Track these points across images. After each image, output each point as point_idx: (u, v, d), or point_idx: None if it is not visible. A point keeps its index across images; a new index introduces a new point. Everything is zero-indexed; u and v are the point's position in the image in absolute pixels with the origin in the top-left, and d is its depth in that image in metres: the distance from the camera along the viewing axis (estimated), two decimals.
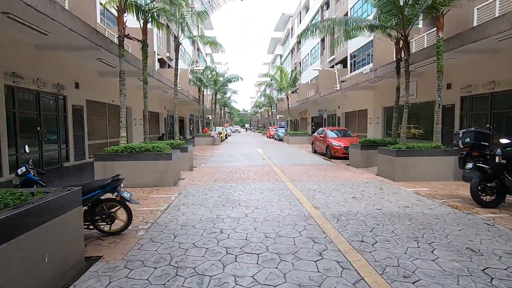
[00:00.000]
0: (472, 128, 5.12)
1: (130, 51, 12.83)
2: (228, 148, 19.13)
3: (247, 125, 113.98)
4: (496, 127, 9.38)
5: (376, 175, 8.45)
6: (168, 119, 24.53)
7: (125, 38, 7.88)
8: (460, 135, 5.27)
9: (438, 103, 8.03)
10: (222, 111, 50.84)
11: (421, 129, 13.77)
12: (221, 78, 26.98)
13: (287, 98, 26.51)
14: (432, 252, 3.26)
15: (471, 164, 5.07)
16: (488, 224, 4.18)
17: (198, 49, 42.77)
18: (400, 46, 9.61)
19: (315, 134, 15.48)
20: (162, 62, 24.22)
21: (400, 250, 3.32)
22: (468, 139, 5.08)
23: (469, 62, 10.08)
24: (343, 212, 4.79)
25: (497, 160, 4.72)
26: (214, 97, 28.23)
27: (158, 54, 21.98)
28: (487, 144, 4.99)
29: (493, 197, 5.01)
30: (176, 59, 9.79)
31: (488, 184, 4.98)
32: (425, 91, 12.30)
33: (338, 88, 17.30)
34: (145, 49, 9.03)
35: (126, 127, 7.91)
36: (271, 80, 27.12)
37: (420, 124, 13.89)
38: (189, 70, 22.47)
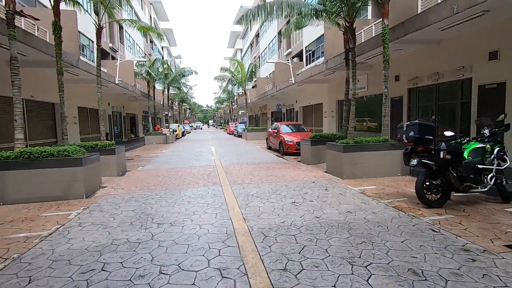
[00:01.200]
0: (416, 121, 4.60)
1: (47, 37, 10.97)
2: (180, 147, 17.77)
3: (211, 122, 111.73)
4: (442, 118, 9.37)
5: (325, 172, 7.90)
6: (114, 117, 22.32)
7: (21, 17, 6.31)
8: (404, 129, 4.74)
9: (385, 94, 7.66)
10: (181, 107, 48.59)
11: (376, 122, 13.72)
12: (173, 72, 25.16)
13: (245, 92, 25.64)
14: (367, 281, 2.54)
15: (415, 160, 4.57)
16: (433, 230, 3.64)
17: (151, 41, 40.00)
18: (348, 35, 9.14)
19: (269, 129, 14.78)
20: (103, 53, 21.80)
21: (329, 281, 2.56)
22: (412, 133, 4.56)
23: (415, 53, 9.97)
24: (274, 224, 3.99)
25: (441, 156, 4.24)
26: (167, 92, 26.34)
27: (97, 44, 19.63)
28: (431, 138, 4.51)
29: (438, 196, 4.57)
30: (98, 46, 8.31)
31: (434, 182, 4.52)
32: (376, 84, 12.13)
33: (293, 82, 16.79)
34: (57, 33, 7.49)
35: (24, 127, 6.39)
36: (229, 74, 26.03)
37: (374, 117, 13.83)
38: (134, 62, 20.45)
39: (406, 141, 4.73)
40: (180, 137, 27.91)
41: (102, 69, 16.49)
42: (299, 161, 10.13)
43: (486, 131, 4.79)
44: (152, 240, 3.55)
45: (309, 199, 5.22)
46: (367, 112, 14.12)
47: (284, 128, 13.10)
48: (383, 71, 7.60)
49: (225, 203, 5.10)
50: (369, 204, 4.82)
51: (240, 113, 48.96)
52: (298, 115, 22.71)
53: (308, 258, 2.99)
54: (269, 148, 14.63)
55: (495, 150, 4.61)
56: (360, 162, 7.04)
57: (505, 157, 4.60)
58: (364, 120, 14.40)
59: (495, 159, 4.60)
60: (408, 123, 4.73)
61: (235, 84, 26.48)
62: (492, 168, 4.57)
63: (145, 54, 34.40)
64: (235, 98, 44.42)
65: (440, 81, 9.07)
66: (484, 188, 4.54)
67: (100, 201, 5.51)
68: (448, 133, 4.97)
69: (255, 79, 28.86)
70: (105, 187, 6.74)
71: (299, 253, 3.11)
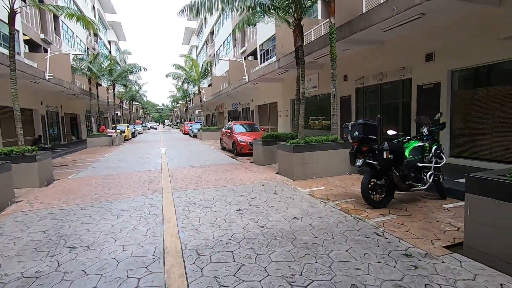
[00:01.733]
0: (360, 120, 4.50)
1: None
2: (127, 149, 16.37)
3: (167, 121, 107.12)
4: (386, 117, 9.76)
5: (277, 173, 7.67)
6: (50, 117, 19.86)
7: None
8: (349, 128, 4.62)
9: (333, 94, 7.66)
10: (132, 106, 45.57)
11: (329, 120, 13.95)
12: (118, 68, 23.20)
13: (199, 91, 24.73)
14: None
15: (360, 160, 4.47)
16: (377, 234, 3.50)
17: (95, 35, 36.70)
18: (297, 33, 9.02)
19: (223, 129, 14.27)
20: (33, 45, 19.25)
21: None
22: (356, 133, 4.45)
23: (361, 54, 10.25)
24: (213, 239, 3.54)
25: (384, 156, 4.18)
26: (113, 90, 24.24)
27: (24, 34, 17.23)
28: (375, 137, 4.44)
29: (382, 196, 4.52)
30: (11, 33, 6.95)
31: (378, 182, 4.46)
32: (327, 83, 12.26)
33: (247, 80, 16.47)
34: None
35: None
36: (183, 72, 24.82)
37: (328, 116, 14.07)
38: (71, 56, 18.35)
39: (351, 141, 4.61)
40: (130, 139, 25.99)
41: (29, 62, 14.44)
42: (252, 162, 9.81)
43: (425, 130, 4.89)
44: (55, 272, 2.85)
45: (256, 205, 4.87)
46: (320, 111, 14.36)
47: (237, 127, 12.69)
48: (330, 70, 7.57)
49: (162, 215, 4.51)
50: (317, 208, 4.61)
51: (196, 112, 47.52)
52: (254, 114, 22.51)
53: (243, 281, 2.59)
54: (223, 148, 14.13)
55: (433, 148, 4.71)
56: (310, 162, 6.91)
57: (442, 155, 4.73)
58: (318, 119, 14.63)
59: (433, 157, 4.70)
60: (352, 122, 4.62)
61: (189, 82, 25.37)
62: (431, 166, 4.66)
63: (87, 48, 31.40)
64: (190, 97, 42.89)
65: (384, 81, 9.42)
66: (424, 186, 4.60)
67: (5, 220, 4.53)
68: (390, 132, 4.98)
69: (210, 77, 28.04)
70: (20, 201, 5.66)
71: (234, 275, 2.69)
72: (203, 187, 6.35)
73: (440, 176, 4.77)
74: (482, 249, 2.75)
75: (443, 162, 4.70)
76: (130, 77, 26.14)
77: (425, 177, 4.64)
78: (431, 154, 4.70)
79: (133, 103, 44.65)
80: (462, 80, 7.28)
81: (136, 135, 31.10)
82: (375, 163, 4.37)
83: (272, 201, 5.13)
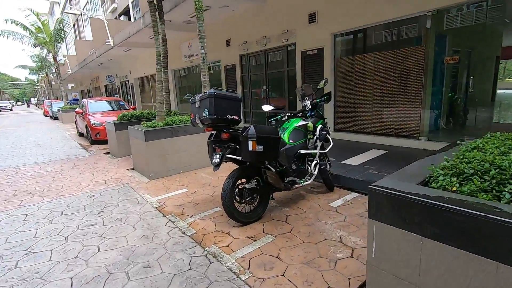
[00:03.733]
0: (211, 90, 2.74)
1: None
2: None
3: (33, 100, 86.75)
4: (272, 89, 8.64)
5: (132, 169, 5.51)
6: None
7: None
8: (197, 104, 2.84)
9: (203, 57, 5.79)
10: None
11: None
12: None
13: (55, 59, 18.94)
14: None
15: (218, 155, 2.79)
16: None
17: None
18: None
19: (78, 108, 10.65)
20: None
21: None
22: (206, 112, 2.70)
23: (244, 15, 8.60)
24: None
25: (250, 147, 2.62)
26: None
27: None
28: (236, 118, 2.80)
29: (254, 205, 3.05)
30: None
31: (247, 186, 2.93)
32: (213, 50, 10.34)
33: (111, 44, 12.83)
34: None
35: None
36: (25, 31, 18.12)
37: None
38: None
39: (201, 125, 2.87)
40: None
41: None
42: (108, 153, 7.22)
43: (307, 103, 3.61)
44: None
45: (58, 247, 2.68)
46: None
47: (92, 106, 9.44)
48: (197, 24, 5.61)
49: None
50: (156, 239, 2.79)
51: (69, 87, 38.36)
52: (134, 89, 18.79)
53: None
54: (81, 135, 10.65)
55: (318, 128, 3.49)
56: (173, 152, 5.00)
57: (328, 136, 3.56)
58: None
59: (318, 140, 3.48)
60: (201, 95, 2.84)
61: (37, 46, 18.89)
62: (316, 153, 3.44)
63: None
64: (53, 68, 33.78)
65: (268, 46, 8.12)
66: (309, 181, 3.37)
67: None
68: (266, 108, 3.50)
69: (72, 40, 21.94)
70: None
71: None
72: (20, 203, 3.73)
73: (327, 164, 3.65)
74: None
75: (330, 146, 3.56)
76: None
77: (309, 168, 3.40)
78: (315, 137, 3.46)
79: None
80: (345, 46, 6.53)
81: None
82: (239, 158, 2.79)
83: (100, 226, 3.04)
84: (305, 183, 3.33)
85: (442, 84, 5.09)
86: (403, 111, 5.49)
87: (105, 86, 25.70)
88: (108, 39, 13.14)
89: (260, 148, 2.64)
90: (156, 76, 5.89)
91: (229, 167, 3.33)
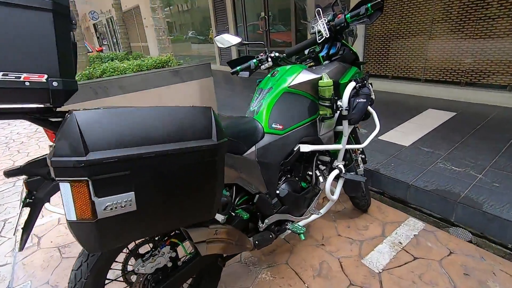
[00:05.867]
0: None
1: None
2: None
3: None
4: (273, 17, 6.17)
5: None
6: None
7: None
8: None
9: None
10: None
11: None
12: None
13: None
14: None
15: None
16: None
17: None
18: None
19: None
20: None
21: None
22: None
23: None
24: None
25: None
26: None
27: None
28: None
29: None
30: None
31: (141, 267, 1.08)
32: None
33: None
34: None
35: None
36: None
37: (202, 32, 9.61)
38: None
39: None
40: None
41: None
42: None
43: (322, 26, 1.46)
44: None
45: None
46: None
47: None
48: None
49: None
50: None
51: None
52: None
53: None
54: None
55: (347, 91, 1.43)
56: None
57: (370, 109, 1.52)
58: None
59: (346, 121, 1.46)
60: None
61: None
62: (339, 151, 1.47)
63: None
64: None
65: None
66: (311, 218, 1.48)
67: None
68: (225, 41, 1.45)
69: None
70: None
71: None
72: None
73: (360, 168, 1.71)
74: None
75: (376, 131, 1.54)
76: None
77: (318, 184, 1.48)
78: (339, 111, 1.40)
79: None
80: None
81: None
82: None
83: None
84: (306, 221, 1.46)
85: None
86: (483, 43, 3.20)
87: (94, 26, 22.91)
88: None
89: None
90: None
91: None
